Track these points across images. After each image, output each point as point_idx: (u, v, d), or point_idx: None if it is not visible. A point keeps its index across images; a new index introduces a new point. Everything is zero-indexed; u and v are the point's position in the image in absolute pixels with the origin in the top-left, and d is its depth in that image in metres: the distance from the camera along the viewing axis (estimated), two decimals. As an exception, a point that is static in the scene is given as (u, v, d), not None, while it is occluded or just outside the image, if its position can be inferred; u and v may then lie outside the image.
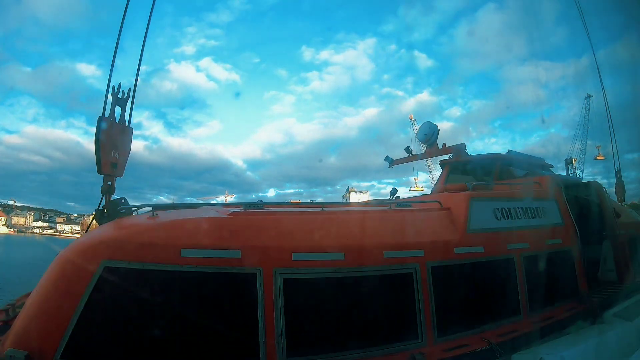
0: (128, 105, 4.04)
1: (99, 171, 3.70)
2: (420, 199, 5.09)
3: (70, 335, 2.76)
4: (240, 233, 3.25)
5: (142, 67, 4.17)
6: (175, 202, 3.75)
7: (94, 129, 3.69)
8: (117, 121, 3.90)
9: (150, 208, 3.56)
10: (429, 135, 5.86)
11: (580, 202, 5.78)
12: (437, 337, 3.63)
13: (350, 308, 3.42)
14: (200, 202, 3.87)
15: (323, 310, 3.33)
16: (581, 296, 4.97)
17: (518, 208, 4.65)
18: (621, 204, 8.93)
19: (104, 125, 3.76)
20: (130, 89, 4.05)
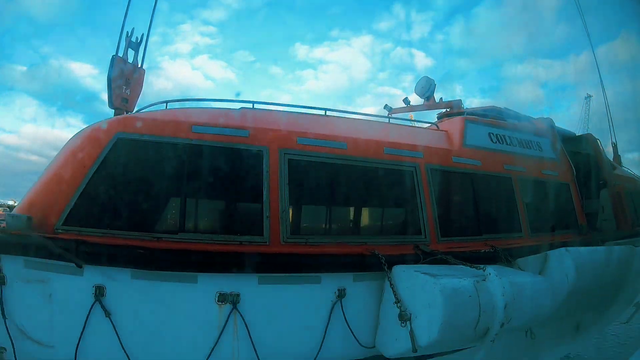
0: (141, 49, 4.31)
1: (110, 105, 3.93)
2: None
3: (75, 201, 2.84)
4: (250, 119, 3.45)
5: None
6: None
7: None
8: (130, 61, 4.18)
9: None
10: (426, 88, 6.12)
11: (576, 156, 5.94)
12: (440, 236, 3.70)
13: (353, 195, 3.54)
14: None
15: (326, 193, 3.45)
16: (580, 228, 5.03)
17: (513, 137, 4.82)
18: None
19: (116, 62, 4.03)
20: (143, 34, 4.35)
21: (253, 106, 3.76)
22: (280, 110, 3.86)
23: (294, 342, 2.98)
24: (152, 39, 4.36)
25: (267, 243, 3.05)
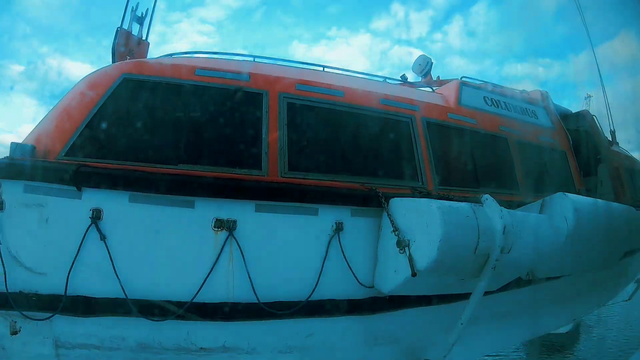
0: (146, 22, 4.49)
1: None
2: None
3: (79, 134, 2.91)
4: (251, 67, 3.58)
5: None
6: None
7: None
8: (134, 34, 4.35)
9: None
10: (423, 65, 6.26)
11: (574, 133, 5.99)
12: (437, 184, 3.72)
13: (350, 141, 3.59)
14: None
15: (324, 137, 3.52)
16: (579, 193, 5.01)
17: (508, 103, 4.91)
18: None
19: (120, 33, 4.20)
20: (148, 9, 4.54)
21: (254, 60, 3.89)
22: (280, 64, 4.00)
23: (290, 273, 2.95)
24: (149, 37, 4.50)
25: (266, 176, 3.07)
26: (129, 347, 2.85)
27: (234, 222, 2.82)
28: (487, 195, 2.93)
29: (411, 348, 3.52)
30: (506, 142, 4.54)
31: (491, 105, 4.70)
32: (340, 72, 4.21)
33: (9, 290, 2.69)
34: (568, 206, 3.51)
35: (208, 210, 2.81)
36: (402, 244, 2.80)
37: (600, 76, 8.69)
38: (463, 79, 4.93)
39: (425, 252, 2.66)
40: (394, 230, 2.89)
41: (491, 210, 2.84)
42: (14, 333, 2.90)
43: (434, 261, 2.62)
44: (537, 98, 5.43)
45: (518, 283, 3.94)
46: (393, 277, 2.92)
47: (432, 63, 6.32)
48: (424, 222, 2.72)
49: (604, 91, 8.92)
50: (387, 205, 3.04)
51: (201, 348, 2.90)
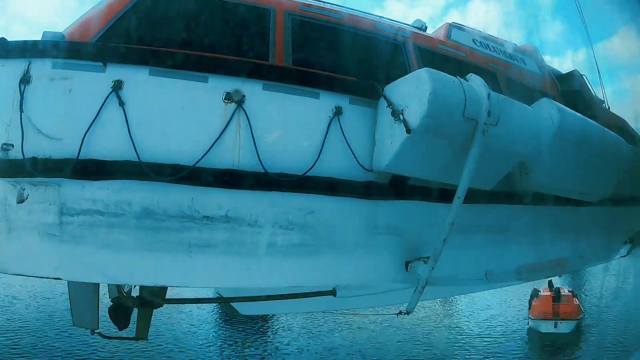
0: None
1: None
2: None
3: (103, 33, 3.27)
4: None
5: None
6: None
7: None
8: None
9: None
10: (418, 28, 6.72)
11: (565, 95, 6.28)
12: None
13: (348, 57, 3.92)
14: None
15: (325, 51, 3.92)
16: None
17: (496, 47, 5.27)
18: None
19: None
20: None
21: None
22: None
23: (293, 147, 3.15)
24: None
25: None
26: (133, 213, 2.96)
27: (243, 96, 3.08)
28: (471, 73, 3.19)
29: (412, 244, 3.57)
30: (495, 78, 4.83)
31: (480, 47, 5.06)
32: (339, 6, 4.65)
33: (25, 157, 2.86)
34: (552, 107, 3.73)
35: (220, 84, 3.08)
36: (397, 113, 3.01)
37: (599, 74, 8.94)
38: (453, 23, 5.35)
39: (417, 109, 2.86)
40: (388, 105, 3.12)
41: (475, 81, 3.08)
42: (21, 201, 3.02)
43: (426, 115, 2.81)
44: (526, 49, 5.80)
45: (519, 199, 4.08)
46: (389, 148, 3.10)
47: (426, 26, 6.77)
48: (414, 86, 2.95)
49: (602, 89, 9.14)
50: (383, 91, 3.30)
51: (204, 216, 3.02)
